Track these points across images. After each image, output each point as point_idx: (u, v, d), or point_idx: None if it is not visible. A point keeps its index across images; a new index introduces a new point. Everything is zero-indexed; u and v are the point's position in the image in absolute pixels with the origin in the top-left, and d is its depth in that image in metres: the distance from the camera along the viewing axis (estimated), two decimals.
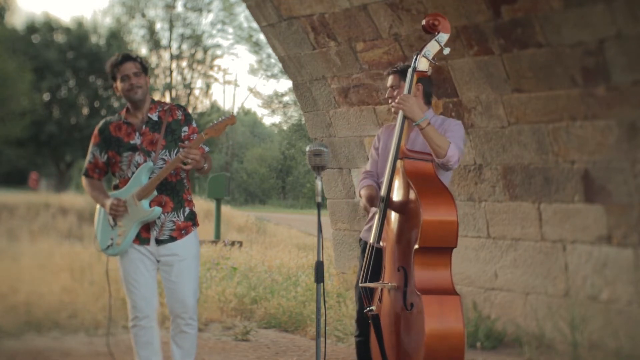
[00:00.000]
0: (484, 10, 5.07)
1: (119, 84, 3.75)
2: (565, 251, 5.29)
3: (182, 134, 3.79)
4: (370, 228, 3.72)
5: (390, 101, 3.67)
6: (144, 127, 3.77)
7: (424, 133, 3.38)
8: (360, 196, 3.74)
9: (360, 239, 3.86)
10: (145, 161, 3.72)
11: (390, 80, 3.71)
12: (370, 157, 3.88)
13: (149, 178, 3.70)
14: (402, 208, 3.38)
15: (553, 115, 5.14)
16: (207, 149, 3.82)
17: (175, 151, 3.76)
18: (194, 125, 3.86)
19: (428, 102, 3.67)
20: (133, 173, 3.73)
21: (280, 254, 9.77)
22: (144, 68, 3.79)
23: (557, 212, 5.31)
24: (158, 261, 3.80)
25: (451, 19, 5.25)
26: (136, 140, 3.75)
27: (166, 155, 3.75)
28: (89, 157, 3.89)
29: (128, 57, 3.76)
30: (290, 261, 8.97)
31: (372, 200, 3.60)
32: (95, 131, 3.87)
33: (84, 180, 3.93)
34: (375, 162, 3.80)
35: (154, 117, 3.79)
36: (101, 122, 3.92)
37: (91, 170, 3.89)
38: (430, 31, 3.46)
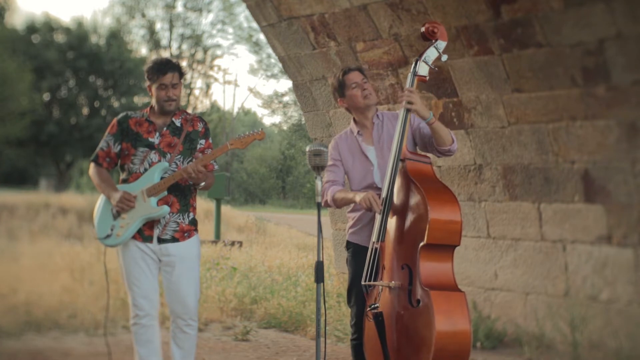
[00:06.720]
0: (484, 10, 5.07)
1: (154, 89, 3.79)
2: (565, 251, 5.29)
3: (198, 146, 3.86)
4: (357, 231, 3.75)
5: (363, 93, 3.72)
6: (165, 128, 3.83)
7: (434, 127, 3.48)
8: (334, 201, 3.67)
9: (349, 242, 3.81)
10: (159, 160, 3.77)
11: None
12: (329, 170, 3.75)
13: (162, 178, 3.74)
14: (405, 208, 3.40)
15: (553, 115, 5.14)
16: (216, 167, 3.88)
17: (188, 160, 3.82)
18: (211, 140, 3.94)
19: None
20: (145, 170, 3.77)
21: (280, 254, 9.77)
22: (181, 76, 3.83)
23: (557, 212, 5.31)
24: (160, 260, 3.81)
25: (451, 19, 5.28)
26: (155, 139, 3.80)
27: (180, 161, 3.81)
28: (102, 144, 3.89)
29: (172, 68, 3.77)
30: (290, 261, 8.97)
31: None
32: (114, 121, 3.91)
33: (92, 167, 3.91)
34: (339, 174, 3.75)
35: (177, 122, 3.86)
36: (121, 114, 3.96)
37: (102, 157, 3.88)
38: (430, 38, 3.60)
